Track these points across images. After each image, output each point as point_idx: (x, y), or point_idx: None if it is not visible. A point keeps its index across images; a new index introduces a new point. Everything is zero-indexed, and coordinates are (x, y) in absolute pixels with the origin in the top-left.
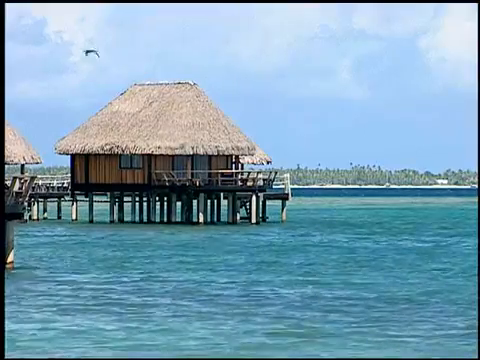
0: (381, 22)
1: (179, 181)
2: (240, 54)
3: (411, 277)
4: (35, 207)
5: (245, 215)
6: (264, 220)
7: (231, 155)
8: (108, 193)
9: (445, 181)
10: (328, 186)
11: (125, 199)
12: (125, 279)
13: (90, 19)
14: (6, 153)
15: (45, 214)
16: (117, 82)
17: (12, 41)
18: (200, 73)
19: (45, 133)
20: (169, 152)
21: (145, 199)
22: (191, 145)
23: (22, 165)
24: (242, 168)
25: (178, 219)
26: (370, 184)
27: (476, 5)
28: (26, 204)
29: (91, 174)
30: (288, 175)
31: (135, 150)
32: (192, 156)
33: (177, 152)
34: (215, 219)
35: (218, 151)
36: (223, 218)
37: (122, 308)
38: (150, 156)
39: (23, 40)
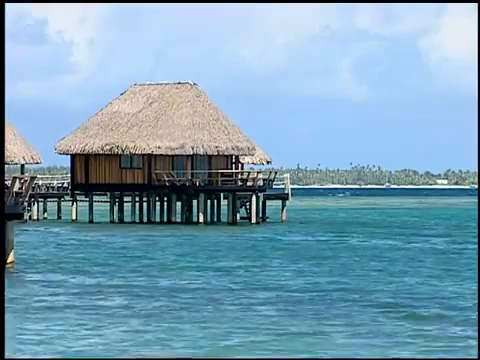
0: (382, 22)
1: (179, 181)
2: (240, 54)
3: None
4: (35, 207)
5: (245, 215)
6: (264, 220)
7: (231, 155)
8: (108, 193)
9: (445, 181)
10: (328, 186)
11: (125, 199)
12: (125, 281)
13: (90, 19)
14: (6, 153)
15: (45, 214)
16: (117, 82)
17: (13, 41)
18: (200, 73)
19: (45, 133)
20: (169, 152)
21: (145, 199)
22: (191, 145)
23: (22, 165)
24: (242, 168)
25: (178, 219)
26: (370, 184)
27: (476, 5)
28: (26, 204)
29: (91, 174)
30: (288, 175)
31: (135, 150)
32: (192, 156)
33: (177, 152)
34: (215, 219)
35: (218, 151)
36: (223, 218)
37: (122, 309)
38: (150, 156)
39: (24, 40)
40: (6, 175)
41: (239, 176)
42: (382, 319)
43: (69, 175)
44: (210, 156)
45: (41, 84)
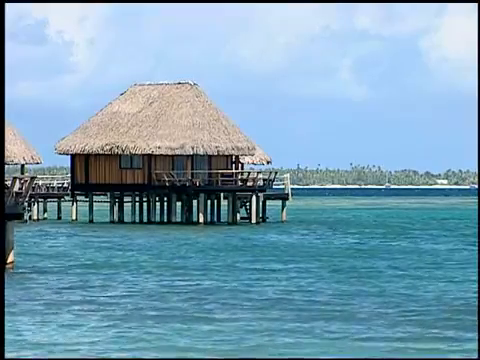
0: (382, 22)
1: (179, 181)
2: (240, 54)
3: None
4: (35, 207)
5: (245, 215)
6: (264, 220)
7: (231, 155)
8: (108, 193)
9: (445, 181)
10: (328, 186)
11: (125, 199)
12: (125, 280)
13: (90, 19)
14: (6, 153)
15: (45, 214)
16: (117, 82)
17: (13, 41)
18: (200, 73)
19: (45, 133)
20: (169, 152)
21: (145, 199)
22: (191, 145)
23: (22, 165)
24: (242, 168)
25: (178, 219)
26: (370, 184)
27: (476, 5)
28: (26, 204)
29: (91, 174)
30: (288, 175)
31: (135, 150)
32: (192, 156)
33: (177, 152)
34: (215, 219)
35: (218, 151)
36: (223, 218)
37: (121, 309)
38: (150, 156)
39: (24, 40)
40: (6, 175)
41: (239, 176)
42: (381, 319)
43: (69, 175)
44: (210, 156)
45: (41, 84)
